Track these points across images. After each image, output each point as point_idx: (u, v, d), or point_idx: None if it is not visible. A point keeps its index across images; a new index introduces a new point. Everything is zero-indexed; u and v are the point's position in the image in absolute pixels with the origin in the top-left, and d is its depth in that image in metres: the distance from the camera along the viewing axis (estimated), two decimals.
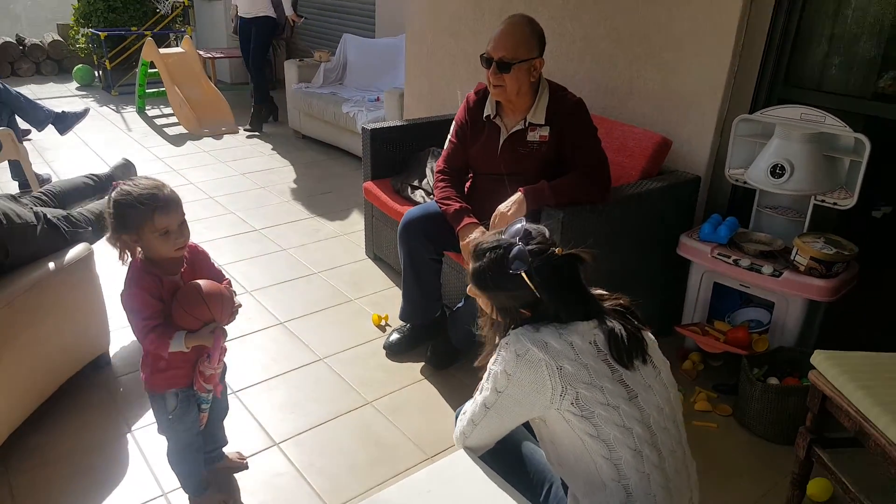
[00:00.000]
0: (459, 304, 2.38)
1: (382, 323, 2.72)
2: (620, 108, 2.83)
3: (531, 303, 1.31)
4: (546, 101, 2.25)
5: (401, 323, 2.58)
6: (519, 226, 1.37)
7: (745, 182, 2.37)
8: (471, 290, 1.41)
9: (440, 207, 2.35)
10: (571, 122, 2.22)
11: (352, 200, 4.13)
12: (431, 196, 2.84)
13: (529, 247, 1.32)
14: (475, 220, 2.26)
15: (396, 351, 2.51)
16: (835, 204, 2.17)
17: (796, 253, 2.13)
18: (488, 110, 2.31)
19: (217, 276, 1.70)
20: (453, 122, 2.45)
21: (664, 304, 2.59)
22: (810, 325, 2.22)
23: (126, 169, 2.80)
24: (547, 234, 1.38)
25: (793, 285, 2.12)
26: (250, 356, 2.48)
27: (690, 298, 2.46)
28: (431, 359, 2.43)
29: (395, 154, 3.18)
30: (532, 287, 1.28)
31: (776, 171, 2.18)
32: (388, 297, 2.95)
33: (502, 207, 2.16)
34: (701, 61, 2.52)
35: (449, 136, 2.46)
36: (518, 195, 2.15)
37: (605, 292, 1.41)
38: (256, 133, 5.60)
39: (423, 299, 2.46)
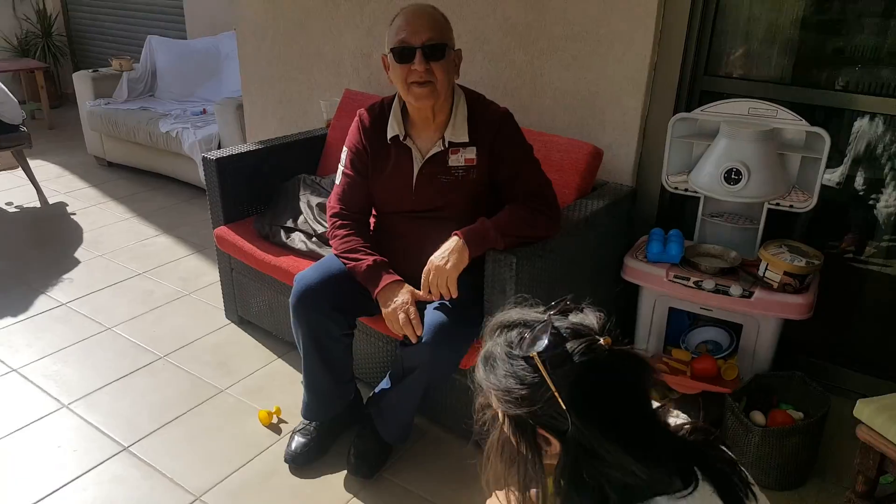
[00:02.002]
0: (384, 385, 1.82)
1: (275, 419, 2.06)
2: (524, 112, 2.41)
3: (558, 429, 0.85)
4: (465, 113, 1.76)
5: (300, 418, 1.95)
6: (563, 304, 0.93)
7: (685, 190, 2.09)
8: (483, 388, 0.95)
9: (345, 264, 1.76)
10: (503, 140, 1.75)
11: (192, 242, 3.32)
12: (314, 239, 2.23)
13: (562, 325, 0.88)
14: (398, 277, 1.71)
15: (304, 461, 1.87)
16: (791, 207, 1.95)
17: (766, 268, 1.88)
18: (394, 130, 1.77)
19: None
20: (344, 150, 1.87)
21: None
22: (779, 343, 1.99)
23: None
24: (600, 320, 0.92)
25: (768, 305, 1.86)
26: None
27: (643, 328, 2.13)
28: (357, 465, 1.82)
29: (251, 188, 2.49)
30: (553, 391, 0.83)
31: (731, 176, 1.90)
32: (272, 377, 2.28)
33: (436, 259, 1.64)
34: (615, 53, 2.19)
35: (341, 168, 1.87)
36: (455, 241, 1.64)
37: (682, 420, 0.98)
38: None
39: (333, 387, 1.86)
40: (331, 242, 1.83)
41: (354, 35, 2.80)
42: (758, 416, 1.87)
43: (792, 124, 1.89)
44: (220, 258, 2.53)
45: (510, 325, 0.93)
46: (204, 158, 2.37)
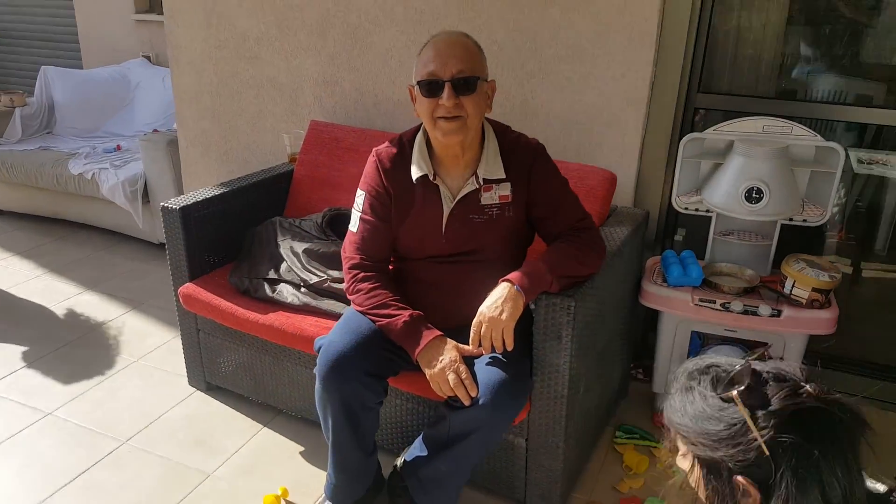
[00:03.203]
0: (419, 453, 1.60)
1: (283, 503, 1.78)
2: None
3: (759, 478, 0.81)
4: (496, 147, 1.61)
5: (315, 495, 1.70)
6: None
7: (696, 210, 2.05)
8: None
9: (375, 322, 1.55)
10: (540, 174, 1.61)
11: (123, 298, 2.90)
12: (303, 290, 1.98)
13: (762, 368, 0.87)
14: (439, 332, 1.52)
15: None
16: (805, 221, 1.96)
17: (793, 286, 1.86)
18: (422, 169, 1.58)
19: None
20: (360, 193, 1.65)
21: (624, 361, 2.17)
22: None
23: None
24: (803, 370, 0.87)
25: (798, 323, 1.84)
26: None
27: (663, 355, 2.06)
28: None
29: (216, 236, 2.19)
30: (755, 433, 0.80)
31: (752, 195, 1.88)
32: (263, 451, 1.98)
33: (488, 310, 1.46)
34: (613, 73, 2.12)
35: (357, 213, 1.65)
36: (506, 288, 1.48)
37: (885, 488, 0.89)
38: None
39: (362, 462, 1.62)
40: (352, 297, 1.61)
41: (315, 62, 2.57)
42: None
43: (807, 140, 1.90)
44: (182, 318, 2.20)
45: (705, 369, 0.91)
46: (164, 208, 2.05)
